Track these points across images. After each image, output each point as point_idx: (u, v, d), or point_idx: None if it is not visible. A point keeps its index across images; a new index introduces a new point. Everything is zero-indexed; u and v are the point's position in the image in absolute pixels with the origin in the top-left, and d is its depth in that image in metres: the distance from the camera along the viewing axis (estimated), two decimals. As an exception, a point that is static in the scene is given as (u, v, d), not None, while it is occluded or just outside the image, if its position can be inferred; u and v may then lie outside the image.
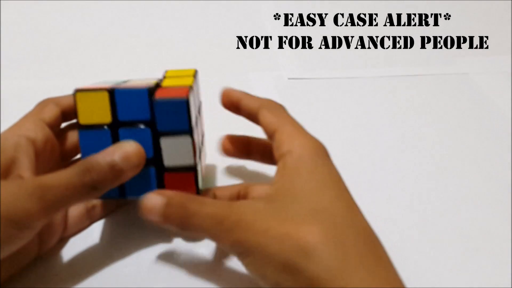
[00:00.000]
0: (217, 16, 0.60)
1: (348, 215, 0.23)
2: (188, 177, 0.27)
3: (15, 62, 0.50)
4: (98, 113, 0.26)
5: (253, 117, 0.29)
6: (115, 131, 0.27)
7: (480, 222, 0.32)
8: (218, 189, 0.30)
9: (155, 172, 0.27)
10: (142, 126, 0.26)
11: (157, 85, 0.28)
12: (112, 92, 0.26)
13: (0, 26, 0.56)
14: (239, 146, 0.32)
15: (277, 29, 0.58)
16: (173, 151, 0.27)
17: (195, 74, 0.30)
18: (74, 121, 0.31)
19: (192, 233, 0.24)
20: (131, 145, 0.25)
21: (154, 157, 0.27)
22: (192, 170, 0.27)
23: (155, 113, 0.26)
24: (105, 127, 0.27)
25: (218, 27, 0.58)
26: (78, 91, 0.26)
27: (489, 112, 0.44)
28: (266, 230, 0.22)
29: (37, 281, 0.27)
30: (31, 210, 0.22)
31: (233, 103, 0.30)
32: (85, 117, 0.27)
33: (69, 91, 0.27)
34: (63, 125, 0.30)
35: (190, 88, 0.27)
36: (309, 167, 0.24)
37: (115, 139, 0.27)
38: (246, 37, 0.56)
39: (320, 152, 0.26)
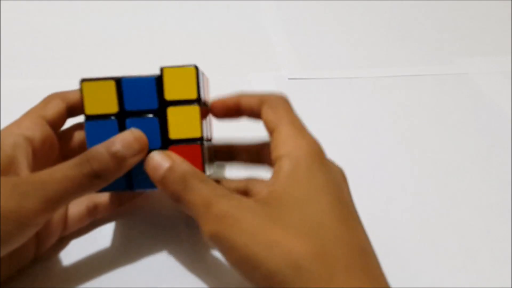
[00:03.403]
0: (217, 16, 0.60)
1: (341, 228, 0.22)
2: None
3: (15, 62, 0.50)
4: (104, 103, 0.26)
5: (256, 115, 0.28)
6: (122, 121, 0.26)
7: (480, 222, 0.32)
8: (225, 181, 0.30)
9: None
10: (149, 116, 0.26)
11: (162, 69, 0.27)
12: (119, 81, 0.26)
13: (0, 26, 0.56)
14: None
15: (277, 29, 0.58)
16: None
17: (196, 73, 0.28)
18: (81, 120, 0.30)
19: (181, 208, 0.24)
20: (131, 131, 0.25)
21: (162, 143, 0.26)
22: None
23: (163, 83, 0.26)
24: (112, 117, 0.26)
25: (218, 27, 0.58)
26: (84, 80, 0.26)
27: (489, 112, 0.44)
28: (254, 233, 0.21)
29: (36, 282, 0.27)
30: (31, 207, 0.22)
31: (231, 108, 0.28)
32: (91, 107, 0.26)
33: (69, 91, 0.27)
34: (70, 121, 0.30)
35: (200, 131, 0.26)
36: (305, 173, 0.24)
37: (122, 129, 0.26)
38: (246, 37, 0.56)
39: (317, 156, 0.25)
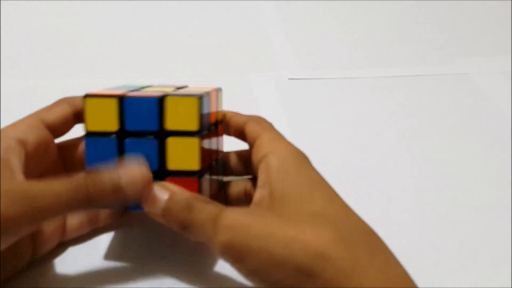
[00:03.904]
0: (217, 16, 0.60)
1: (346, 216, 0.23)
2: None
3: (15, 62, 0.50)
4: (106, 120, 0.25)
5: (240, 132, 0.29)
6: (121, 140, 0.26)
7: (480, 222, 0.32)
8: (227, 185, 0.30)
9: None
10: (149, 137, 0.25)
11: (164, 96, 0.26)
12: (121, 100, 0.25)
13: (0, 26, 0.56)
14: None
15: (277, 29, 0.58)
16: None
17: (199, 104, 0.26)
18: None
19: (188, 235, 0.24)
20: (140, 168, 0.24)
21: (159, 167, 0.26)
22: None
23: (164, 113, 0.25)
24: (112, 135, 0.26)
25: (218, 27, 0.58)
26: (87, 96, 0.25)
27: (489, 112, 0.44)
28: (268, 235, 0.21)
29: (31, 285, 0.27)
30: (14, 216, 0.21)
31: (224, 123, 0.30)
32: (92, 124, 0.26)
33: (70, 91, 0.27)
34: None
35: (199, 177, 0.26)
36: (295, 168, 0.24)
37: (121, 149, 0.26)
38: (246, 37, 0.56)
39: (301, 154, 0.26)
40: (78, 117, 0.28)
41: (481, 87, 0.48)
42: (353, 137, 0.41)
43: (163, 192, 0.24)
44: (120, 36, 0.56)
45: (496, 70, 0.51)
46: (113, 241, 0.30)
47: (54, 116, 0.27)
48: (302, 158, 0.25)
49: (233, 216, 0.22)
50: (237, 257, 0.22)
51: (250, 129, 0.28)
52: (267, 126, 0.28)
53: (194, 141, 0.25)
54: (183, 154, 0.25)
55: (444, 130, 0.42)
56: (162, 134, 0.26)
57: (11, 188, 0.22)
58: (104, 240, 0.30)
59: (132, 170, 0.24)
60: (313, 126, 0.42)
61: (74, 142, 0.30)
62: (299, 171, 0.24)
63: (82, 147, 0.29)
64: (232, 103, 0.33)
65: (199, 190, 0.25)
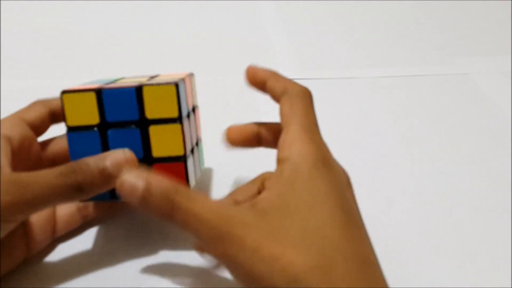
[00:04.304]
0: (217, 16, 0.60)
1: (342, 237, 0.21)
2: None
3: (15, 62, 0.50)
4: (86, 114, 0.26)
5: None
6: (104, 132, 0.26)
7: (480, 222, 0.32)
8: (237, 192, 0.28)
9: None
10: (131, 127, 0.26)
11: (141, 86, 0.26)
12: (100, 93, 0.26)
13: (0, 26, 0.56)
14: (247, 134, 0.29)
15: (277, 29, 0.58)
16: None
17: (177, 91, 0.27)
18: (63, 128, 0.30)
19: (177, 226, 0.23)
20: (124, 151, 0.25)
21: (144, 154, 0.26)
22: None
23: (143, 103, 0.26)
24: (94, 128, 0.26)
25: (218, 27, 0.58)
26: (64, 92, 0.26)
27: (489, 112, 0.44)
28: (256, 249, 0.21)
29: (26, 283, 0.27)
30: (6, 204, 0.22)
31: (259, 83, 0.28)
32: (73, 119, 0.26)
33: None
34: (52, 128, 0.30)
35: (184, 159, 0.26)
36: (305, 180, 0.23)
37: (104, 140, 0.26)
38: (246, 37, 0.56)
39: (319, 162, 0.24)
40: (53, 117, 0.29)
41: (481, 87, 0.48)
42: (353, 137, 0.41)
43: (139, 179, 0.22)
44: (120, 36, 0.56)
45: (496, 70, 0.51)
46: (105, 236, 0.30)
47: (33, 115, 0.28)
48: (317, 166, 0.23)
49: (224, 228, 0.21)
50: (226, 265, 0.22)
51: (282, 111, 0.26)
52: (298, 109, 0.26)
53: (176, 127, 0.26)
54: (166, 141, 0.26)
55: (444, 130, 0.42)
56: (143, 123, 0.26)
57: (1, 179, 0.23)
58: (96, 235, 0.30)
59: (115, 153, 0.25)
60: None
61: (55, 140, 0.30)
62: (307, 183, 0.23)
63: (64, 143, 0.29)
64: (232, 103, 0.33)
65: (186, 174, 0.26)
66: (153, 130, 0.26)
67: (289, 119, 0.26)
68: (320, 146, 0.25)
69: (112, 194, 0.27)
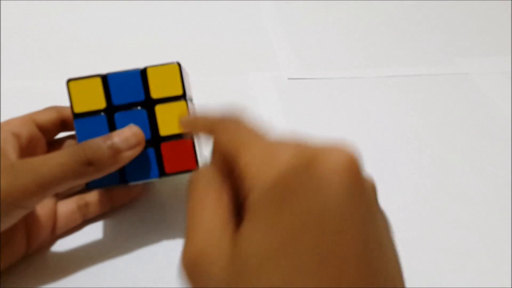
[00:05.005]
0: (217, 16, 0.60)
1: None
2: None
3: (15, 62, 0.50)
4: (92, 100, 0.27)
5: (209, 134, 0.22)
6: (111, 116, 0.27)
7: (480, 222, 0.32)
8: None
9: (154, 154, 0.27)
10: (137, 108, 0.27)
11: (146, 68, 0.27)
12: (105, 78, 0.27)
13: (0, 26, 0.56)
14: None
15: (277, 29, 0.58)
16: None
17: (180, 70, 0.27)
18: (73, 132, 0.31)
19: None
20: (129, 127, 0.26)
21: (152, 135, 0.27)
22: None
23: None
24: (101, 113, 0.27)
25: (218, 26, 0.58)
26: (70, 80, 0.27)
27: (489, 112, 0.44)
28: None
29: (26, 279, 0.27)
30: (22, 188, 0.22)
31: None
32: (79, 106, 0.27)
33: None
34: (62, 135, 0.31)
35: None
36: (270, 216, 0.16)
37: (112, 124, 0.27)
38: (246, 37, 0.56)
39: (286, 188, 0.16)
40: (64, 125, 0.30)
41: (481, 87, 0.48)
42: (353, 137, 0.41)
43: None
44: (120, 36, 0.56)
45: (496, 70, 0.51)
46: (105, 233, 0.30)
47: (44, 118, 0.29)
48: (284, 196, 0.16)
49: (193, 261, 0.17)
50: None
51: (224, 138, 0.20)
52: (246, 135, 0.19)
53: (182, 104, 0.27)
54: (173, 119, 0.27)
55: (444, 130, 0.42)
56: (149, 103, 0.27)
57: (14, 164, 0.23)
58: (96, 232, 0.30)
59: (123, 130, 0.26)
60: (313, 126, 0.42)
61: (61, 139, 0.31)
62: (271, 223, 0.16)
63: (69, 143, 0.31)
64: (232, 103, 0.33)
65: (194, 151, 0.27)
66: (159, 109, 0.27)
67: (236, 148, 0.19)
68: (286, 161, 0.17)
69: (122, 178, 0.27)
